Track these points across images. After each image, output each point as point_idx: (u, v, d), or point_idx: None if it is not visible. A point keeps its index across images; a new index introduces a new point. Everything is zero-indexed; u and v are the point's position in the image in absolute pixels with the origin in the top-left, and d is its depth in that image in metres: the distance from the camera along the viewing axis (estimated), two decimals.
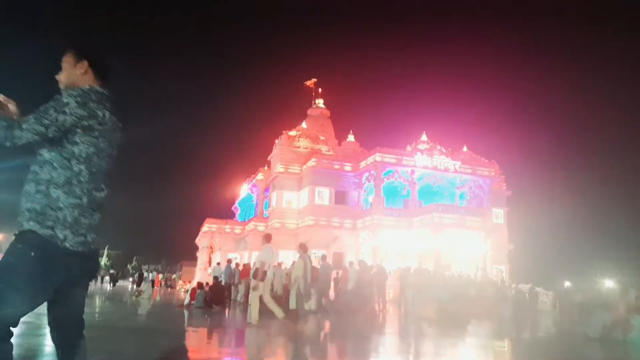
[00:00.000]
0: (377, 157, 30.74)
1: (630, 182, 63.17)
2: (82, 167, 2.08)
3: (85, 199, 2.08)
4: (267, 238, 9.19)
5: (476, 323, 11.38)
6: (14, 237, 2.06)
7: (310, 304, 14.27)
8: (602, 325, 9.06)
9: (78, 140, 2.08)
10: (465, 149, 36.23)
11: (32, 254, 1.96)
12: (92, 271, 2.24)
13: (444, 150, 32.57)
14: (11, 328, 1.95)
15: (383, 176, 30.87)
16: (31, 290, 1.95)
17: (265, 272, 8.80)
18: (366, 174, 32.06)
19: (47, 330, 2.19)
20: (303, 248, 10.04)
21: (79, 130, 2.08)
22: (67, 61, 2.27)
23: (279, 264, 19.25)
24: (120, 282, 40.80)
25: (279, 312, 8.60)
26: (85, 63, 2.27)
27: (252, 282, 9.06)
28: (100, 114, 2.14)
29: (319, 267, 15.97)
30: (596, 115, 78.24)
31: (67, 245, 2.01)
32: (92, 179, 2.12)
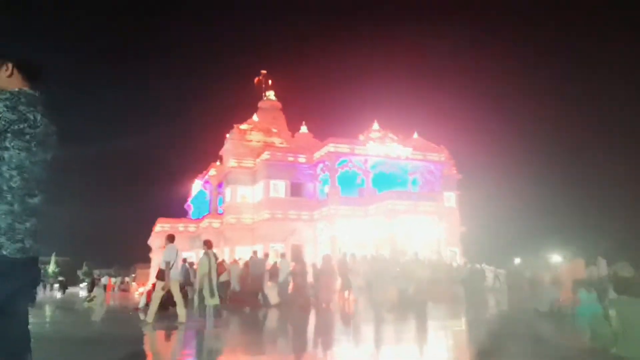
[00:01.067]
0: (331, 147, 30.87)
1: (575, 159, 66.66)
2: (14, 172, 2.01)
3: (17, 205, 2.00)
4: (170, 238, 9.25)
5: (433, 305, 11.70)
6: None
7: (273, 298, 14.30)
8: (550, 300, 9.52)
9: (8, 145, 2.01)
10: (415, 135, 36.98)
11: None
12: (35, 279, 2.16)
13: (395, 137, 33.12)
14: None
15: (337, 166, 31.06)
16: None
17: (168, 273, 8.81)
18: (321, 165, 32.16)
19: None
20: (208, 245, 10.10)
21: (9, 135, 2.01)
22: None
23: (235, 261, 19.07)
24: (70, 289, 39.15)
25: (182, 315, 8.82)
26: (11, 65, 2.17)
27: (157, 283, 9.15)
28: (31, 117, 2.07)
29: (279, 261, 16.02)
30: (542, 95, 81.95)
31: (5, 252, 1.95)
32: (25, 185, 2.04)
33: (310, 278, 15.02)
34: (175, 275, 8.99)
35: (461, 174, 37.89)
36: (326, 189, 31.77)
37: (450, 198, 35.82)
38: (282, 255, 16.58)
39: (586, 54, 76.14)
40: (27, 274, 2.09)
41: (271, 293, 14.46)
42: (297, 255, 28.65)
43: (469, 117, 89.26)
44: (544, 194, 59.09)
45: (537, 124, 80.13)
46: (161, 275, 8.93)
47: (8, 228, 1.98)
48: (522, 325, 8.02)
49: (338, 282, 16.12)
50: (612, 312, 4.71)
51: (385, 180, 33.05)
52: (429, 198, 29.93)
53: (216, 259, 10.30)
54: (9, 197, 2.00)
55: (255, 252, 16.86)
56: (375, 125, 33.84)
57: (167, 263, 8.77)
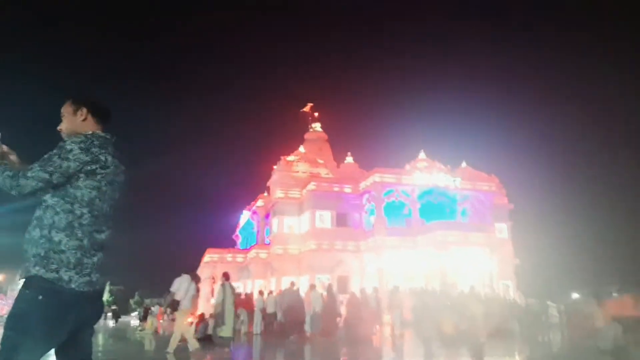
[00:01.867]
0: (377, 177, 30.73)
1: (633, 189, 62.94)
2: (85, 210, 2.14)
3: (86, 241, 2.12)
4: (185, 270, 9.65)
5: (486, 341, 11.15)
6: (22, 284, 2.08)
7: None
8: (612, 336, 8.87)
9: (81, 185, 2.14)
10: (464, 164, 36.26)
11: (40, 298, 2.00)
12: (99, 311, 2.27)
13: (442, 167, 32.61)
14: None
15: (383, 196, 30.79)
16: (44, 335, 1.99)
17: (176, 302, 9.08)
18: (366, 195, 31.99)
19: None
20: (225, 277, 10.61)
21: (82, 175, 2.14)
22: (66, 110, 2.33)
23: (280, 292, 19.02)
24: (122, 318, 40.23)
25: (193, 343, 9.03)
26: (85, 110, 2.33)
27: (176, 314, 9.51)
28: (102, 158, 2.20)
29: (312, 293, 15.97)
30: (596, 123, 78.57)
31: (73, 286, 2.05)
32: (94, 221, 2.17)
33: (341, 310, 14.88)
34: (186, 305, 9.19)
35: (513, 203, 36.59)
36: (372, 219, 31.47)
37: (503, 229, 34.54)
38: (312, 287, 16.44)
39: None
40: (93, 307, 2.20)
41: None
42: (343, 287, 28.45)
43: (519, 144, 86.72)
44: (604, 223, 55.89)
45: (593, 148, 76.66)
46: (175, 305, 9.20)
47: (77, 262, 2.08)
48: None
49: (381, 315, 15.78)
50: None
51: (433, 211, 32.36)
52: (479, 229, 28.97)
53: (233, 290, 10.65)
54: (79, 233, 2.10)
55: (292, 283, 16.93)
56: (422, 155, 33.49)
57: (172, 294, 9.17)
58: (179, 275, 9.42)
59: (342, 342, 11.99)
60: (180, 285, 9.23)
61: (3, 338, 1.98)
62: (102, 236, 2.20)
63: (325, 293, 16.52)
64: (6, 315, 2.08)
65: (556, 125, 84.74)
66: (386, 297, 18.73)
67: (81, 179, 2.14)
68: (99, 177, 2.19)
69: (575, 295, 27.92)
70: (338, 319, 15.24)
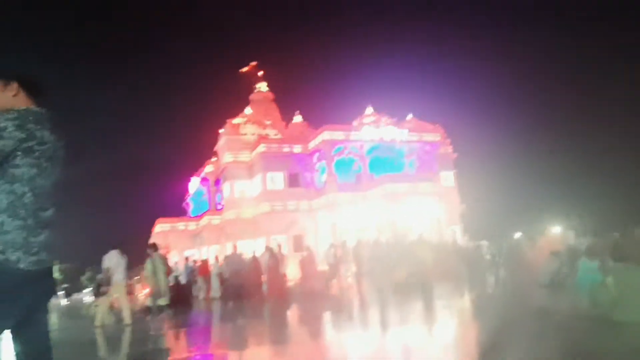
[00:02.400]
0: (326, 135, 30.79)
1: (573, 124, 66.32)
2: (26, 189, 2.08)
3: (30, 220, 2.08)
4: (114, 245, 9.70)
5: (436, 286, 11.70)
6: None
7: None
8: (550, 271, 9.51)
9: (19, 163, 2.07)
10: (410, 116, 36.88)
11: None
12: (51, 288, 2.27)
13: (389, 120, 33.03)
14: None
15: (333, 154, 31.00)
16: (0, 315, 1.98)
17: (108, 278, 9.28)
18: (317, 154, 32.09)
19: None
20: (153, 248, 10.61)
21: (19, 153, 2.06)
22: None
23: (241, 254, 19.06)
24: (74, 296, 39.25)
25: (127, 316, 9.19)
26: (15, 84, 2.22)
27: (102, 288, 9.71)
28: (39, 134, 2.13)
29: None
30: (535, 64, 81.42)
31: (22, 266, 2.01)
32: (37, 200, 2.11)
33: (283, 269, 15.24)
34: (118, 279, 9.35)
35: (457, 152, 37.86)
36: (324, 177, 31.74)
37: (448, 177, 35.83)
38: (266, 249, 16.59)
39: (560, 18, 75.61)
40: (45, 285, 2.18)
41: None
42: (299, 246, 28.86)
43: (461, 92, 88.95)
44: (543, 165, 59.06)
45: (533, 89, 79.59)
46: (108, 280, 9.34)
47: (23, 242, 2.04)
48: (523, 298, 8.02)
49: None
50: (610, 280, 4.69)
51: (383, 164, 33.01)
52: (427, 179, 29.93)
53: (164, 261, 10.74)
54: (22, 212, 2.06)
55: (234, 247, 17.32)
56: (369, 110, 33.71)
57: (106, 270, 9.25)
58: (112, 249, 9.41)
59: (292, 300, 12.26)
60: (111, 261, 9.34)
61: None
62: (47, 214, 2.16)
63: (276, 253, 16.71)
64: None
65: (496, 68, 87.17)
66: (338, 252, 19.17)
67: (19, 157, 2.06)
68: (37, 154, 2.10)
69: (518, 235, 29.65)
70: (286, 278, 15.44)
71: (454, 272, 15.36)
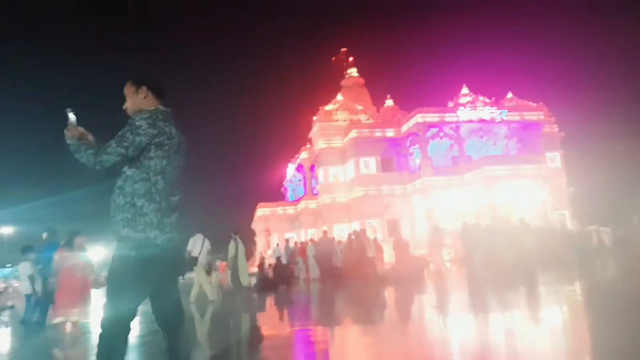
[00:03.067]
0: (419, 118, 30.17)
1: None
2: (159, 177, 2.43)
3: (164, 204, 2.43)
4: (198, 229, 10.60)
5: (539, 272, 11.16)
6: (114, 245, 2.42)
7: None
8: None
9: (153, 155, 2.43)
10: (510, 95, 34.85)
11: (133, 254, 2.33)
12: (181, 262, 2.68)
13: (487, 100, 31.48)
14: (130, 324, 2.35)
15: (427, 136, 30.32)
16: (138, 285, 2.34)
17: (194, 259, 10.00)
18: (410, 137, 31.58)
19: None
20: (234, 231, 11.10)
21: (152, 147, 2.43)
22: (128, 90, 2.61)
23: (332, 239, 19.62)
24: (187, 274, 42.64)
25: (210, 294, 10.12)
26: (145, 88, 2.60)
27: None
28: (167, 130, 2.49)
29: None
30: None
31: (159, 242, 2.37)
32: (167, 186, 2.47)
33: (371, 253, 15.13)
34: (201, 261, 10.14)
35: (564, 131, 35.09)
36: (418, 161, 31.20)
37: (554, 158, 33.40)
38: (353, 233, 16.71)
39: None
40: (176, 259, 2.57)
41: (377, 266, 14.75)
42: (393, 231, 28.80)
43: (567, 67, 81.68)
44: None
45: None
46: (194, 262, 10.06)
47: (159, 222, 2.39)
48: (633, 286, 7.40)
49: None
50: None
51: (481, 146, 31.66)
52: (529, 160, 28.14)
53: (244, 244, 11.21)
54: (157, 197, 2.41)
55: (324, 232, 17.67)
56: (465, 90, 32.39)
57: (188, 252, 9.96)
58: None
59: (384, 283, 12.35)
60: (195, 244, 10.17)
61: (107, 291, 2.37)
62: (176, 198, 2.51)
63: (372, 237, 16.87)
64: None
65: (602, 44, 78.68)
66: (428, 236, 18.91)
67: (152, 151, 2.42)
68: (166, 147, 2.46)
69: (636, 219, 26.93)
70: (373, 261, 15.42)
71: (562, 258, 14.49)
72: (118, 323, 2.30)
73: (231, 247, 10.88)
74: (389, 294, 9.76)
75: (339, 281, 13.94)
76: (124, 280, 2.33)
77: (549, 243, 15.79)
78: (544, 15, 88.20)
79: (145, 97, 2.60)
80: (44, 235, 7.95)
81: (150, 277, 2.38)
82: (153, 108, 2.56)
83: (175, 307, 2.60)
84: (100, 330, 2.30)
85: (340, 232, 29.07)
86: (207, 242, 10.56)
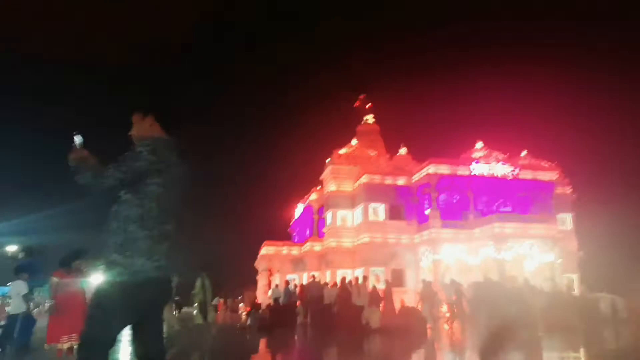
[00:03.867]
0: (431, 168, 30.20)
1: None
2: (153, 204, 2.46)
3: (155, 231, 2.42)
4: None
5: (546, 336, 10.80)
6: (102, 268, 2.40)
7: (374, 322, 14.18)
8: None
9: (150, 182, 2.47)
10: (524, 153, 34.88)
11: (119, 279, 2.31)
12: (168, 293, 2.59)
13: (500, 156, 31.49)
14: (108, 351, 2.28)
15: (438, 188, 30.25)
16: (121, 312, 2.30)
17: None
18: (421, 187, 31.53)
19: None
20: (202, 267, 10.98)
21: (150, 174, 2.47)
22: (136, 118, 2.71)
23: (325, 283, 19.30)
24: (185, 309, 41.98)
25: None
26: (151, 117, 2.72)
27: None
28: (168, 158, 2.56)
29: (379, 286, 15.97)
30: None
31: (145, 269, 2.35)
32: (162, 214, 2.48)
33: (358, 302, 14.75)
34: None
35: (577, 193, 34.78)
36: (427, 211, 31.00)
37: (565, 220, 32.97)
38: (342, 281, 16.24)
39: None
40: (163, 289, 2.51)
41: (372, 317, 14.34)
42: (399, 280, 28.29)
43: (583, 132, 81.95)
44: None
45: None
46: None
47: (148, 249, 2.38)
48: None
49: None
50: None
51: (492, 202, 31.44)
52: (540, 220, 27.81)
53: (210, 280, 11.05)
54: (149, 224, 2.41)
55: (313, 277, 17.52)
56: (479, 144, 32.50)
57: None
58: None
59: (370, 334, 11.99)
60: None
61: (87, 315, 2.34)
62: (168, 227, 2.50)
63: (379, 286, 16.49)
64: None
65: (620, 109, 79.19)
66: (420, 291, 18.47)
67: (149, 177, 2.45)
68: (164, 174, 2.50)
69: None
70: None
71: (567, 323, 14.03)
72: (95, 350, 2.24)
73: (198, 282, 10.82)
74: (373, 348, 9.46)
75: (330, 328, 13.56)
76: (106, 306, 2.30)
77: (556, 307, 15.35)
78: (565, 73, 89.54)
79: (151, 126, 2.69)
80: (20, 255, 7.91)
81: (133, 305, 2.34)
82: (157, 136, 2.63)
83: (156, 340, 2.52)
84: (76, 357, 2.25)
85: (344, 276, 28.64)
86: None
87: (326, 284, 17.74)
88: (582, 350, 8.81)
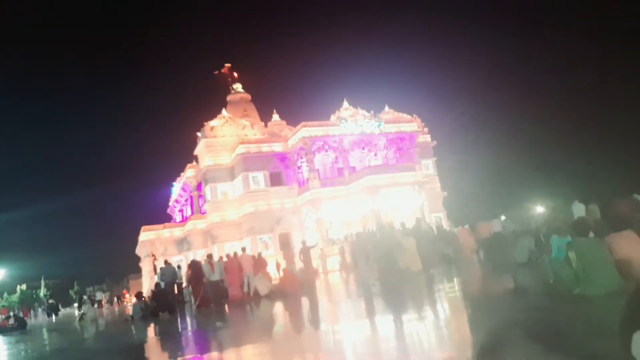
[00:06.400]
0: (304, 132, 30.77)
1: (551, 103, 66.86)
2: None
3: None
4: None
5: (423, 273, 11.83)
6: None
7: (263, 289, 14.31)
8: (527, 250, 9.70)
9: None
10: (386, 108, 37.08)
11: None
12: None
13: (366, 113, 33.14)
14: None
15: (313, 149, 31.03)
16: None
17: None
18: (297, 151, 32.07)
19: None
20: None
21: None
22: None
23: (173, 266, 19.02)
24: (65, 310, 38.69)
25: None
26: None
27: None
28: None
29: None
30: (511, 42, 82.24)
31: None
32: None
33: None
34: None
35: (436, 140, 38.20)
36: (305, 174, 31.77)
37: (428, 165, 36.18)
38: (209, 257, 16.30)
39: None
40: None
41: (259, 284, 14.42)
42: (286, 244, 28.88)
43: (436, 81, 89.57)
44: (524, 145, 59.56)
45: (509, 67, 80.00)
46: None
47: None
48: (496, 279, 8.18)
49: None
50: (572, 255, 4.81)
51: (363, 157, 33.18)
52: (407, 168, 30.15)
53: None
54: None
55: (165, 261, 17.62)
56: (345, 104, 33.77)
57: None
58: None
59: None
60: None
61: None
62: None
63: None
64: None
65: (468, 57, 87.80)
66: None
67: None
68: None
69: (502, 217, 30.00)
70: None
71: (440, 257, 15.53)
72: None
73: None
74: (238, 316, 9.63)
75: (215, 303, 13.44)
76: None
77: (429, 244, 16.89)
78: (420, 32, 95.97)
79: None
80: None
81: None
82: None
83: None
84: None
85: (232, 250, 28.42)
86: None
87: (206, 260, 17.36)
88: (446, 279, 9.82)
